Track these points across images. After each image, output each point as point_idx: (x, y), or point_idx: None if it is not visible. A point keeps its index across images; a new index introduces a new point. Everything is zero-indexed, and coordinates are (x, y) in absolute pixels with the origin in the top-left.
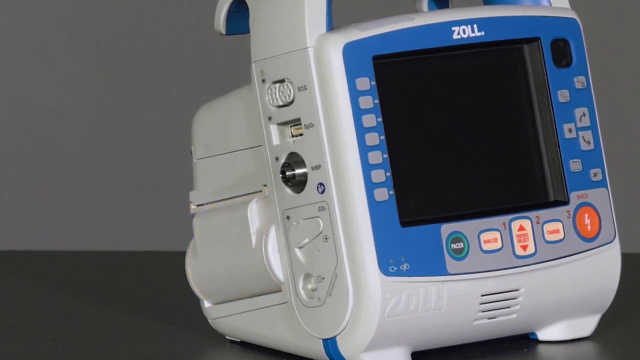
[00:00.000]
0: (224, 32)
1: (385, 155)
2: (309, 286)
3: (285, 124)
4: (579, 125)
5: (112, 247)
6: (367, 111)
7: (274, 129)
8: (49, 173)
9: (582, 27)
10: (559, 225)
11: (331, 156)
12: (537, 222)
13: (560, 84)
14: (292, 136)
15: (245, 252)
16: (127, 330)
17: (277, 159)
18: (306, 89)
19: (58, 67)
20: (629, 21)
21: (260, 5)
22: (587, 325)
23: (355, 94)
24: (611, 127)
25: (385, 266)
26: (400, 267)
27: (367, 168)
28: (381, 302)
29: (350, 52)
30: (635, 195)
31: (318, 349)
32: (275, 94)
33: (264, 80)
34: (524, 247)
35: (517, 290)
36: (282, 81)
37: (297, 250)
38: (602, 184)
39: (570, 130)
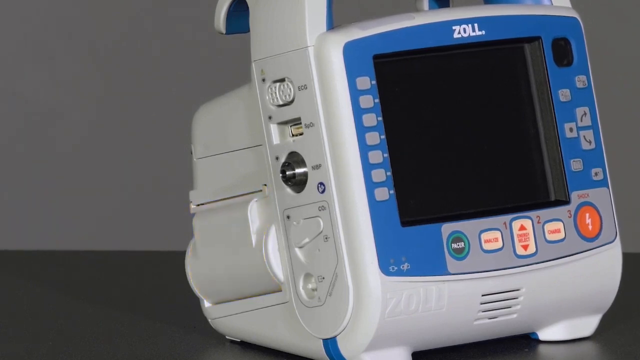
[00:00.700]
0: (224, 31)
1: (386, 155)
2: (309, 286)
3: (285, 123)
4: (580, 124)
5: (112, 247)
6: (368, 110)
7: (274, 128)
8: (49, 173)
9: (583, 26)
10: (559, 225)
11: (331, 155)
12: (538, 222)
13: (561, 83)
14: (292, 135)
15: (246, 251)
16: (127, 330)
17: (277, 158)
18: (306, 88)
19: (58, 67)
20: (630, 20)
21: (261, 5)
22: (588, 325)
23: (355, 93)
24: (612, 127)
25: (386, 266)
26: (401, 267)
27: (367, 167)
28: (382, 301)
29: (351, 51)
30: (637, 195)
31: (318, 349)
32: (276, 93)
33: (264, 80)
34: (525, 247)
35: (518, 290)
36: (282, 80)
37: (297, 249)
38: (603, 183)
39: (571, 130)
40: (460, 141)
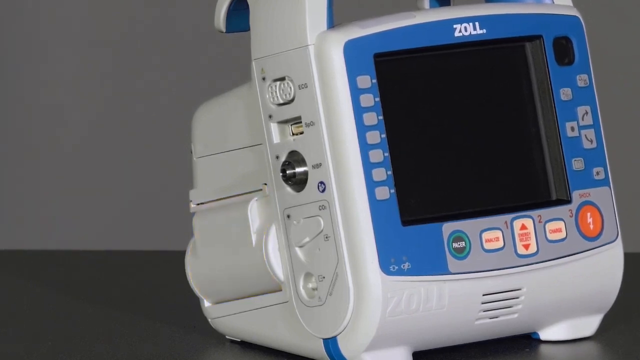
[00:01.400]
0: (224, 30)
1: (386, 154)
2: (310, 285)
3: (285, 122)
4: (582, 123)
5: (112, 247)
6: (368, 109)
7: (274, 127)
8: (49, 173)
9: (584, 25)
10: (561, 225)
11: (332, 154)
12: (539, 221)
13: (562, 82)
14: (293, 134)
15: (246, 251)
16: (127, 330)
17: (277, 157)
18: (307, 86)
19: (58, 67)
20: (631, 19)
21: (261, 3)
22: (589, 325)
23: (356, 92)
24: (614, 126)
25: (387, 265)
26: (402, 266)
27: (368, 166)
28: (382, 301)
29: (351, 49)
30: (638, 194)
31: (319, 348)
32: (276, 92)
33: (264, 78)
34: (526, 247)
35: (519, 289)
36: (282, 79)
37: (297, 249)
38: (604, 182)
39: (572, 129)
40: (462, 140)
